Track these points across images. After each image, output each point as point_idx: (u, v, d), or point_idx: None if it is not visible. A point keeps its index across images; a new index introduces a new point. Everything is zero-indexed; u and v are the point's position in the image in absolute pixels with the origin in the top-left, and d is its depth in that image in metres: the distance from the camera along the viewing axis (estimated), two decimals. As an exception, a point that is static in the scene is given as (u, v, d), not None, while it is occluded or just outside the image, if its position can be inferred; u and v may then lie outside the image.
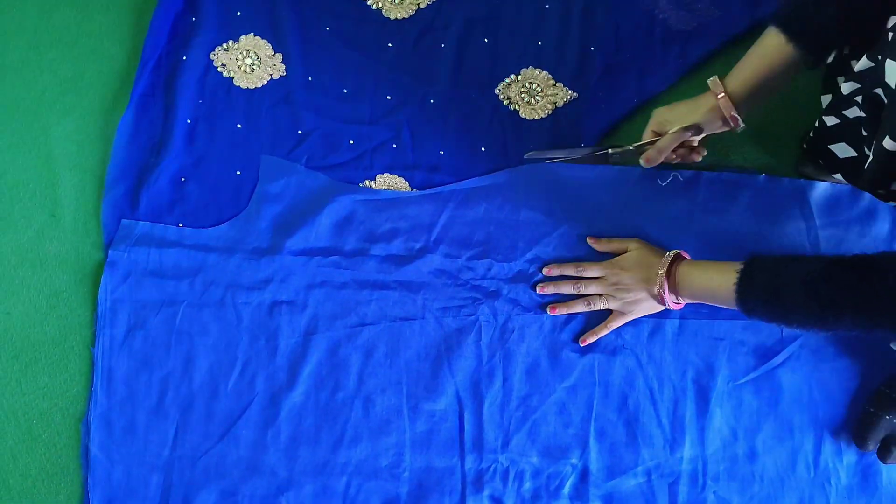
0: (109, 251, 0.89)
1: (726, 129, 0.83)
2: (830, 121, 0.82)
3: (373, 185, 0.92)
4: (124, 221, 0.90)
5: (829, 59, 0.80)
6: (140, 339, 0.89)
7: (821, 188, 0.92)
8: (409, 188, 0.92)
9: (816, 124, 0.85)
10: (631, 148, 0.88)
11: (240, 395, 0.88)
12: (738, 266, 0.77)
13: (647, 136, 0.87)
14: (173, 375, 0.88)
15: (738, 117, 0.81)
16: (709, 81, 0.81)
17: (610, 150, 0.89)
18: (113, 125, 0.91)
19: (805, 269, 0.71)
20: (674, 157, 0.88)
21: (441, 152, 0.93)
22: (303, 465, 0.87)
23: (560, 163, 0.91)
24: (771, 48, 0.76)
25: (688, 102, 0.84)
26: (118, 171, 0.91)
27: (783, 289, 0.71)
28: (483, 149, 0.93)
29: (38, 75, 0.92)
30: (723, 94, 0.80)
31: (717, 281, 0.78)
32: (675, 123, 0.83)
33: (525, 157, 0.91)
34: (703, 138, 0.86)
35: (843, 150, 0.82)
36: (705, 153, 0.89)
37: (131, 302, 0.89)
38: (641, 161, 0.85)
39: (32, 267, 0.90)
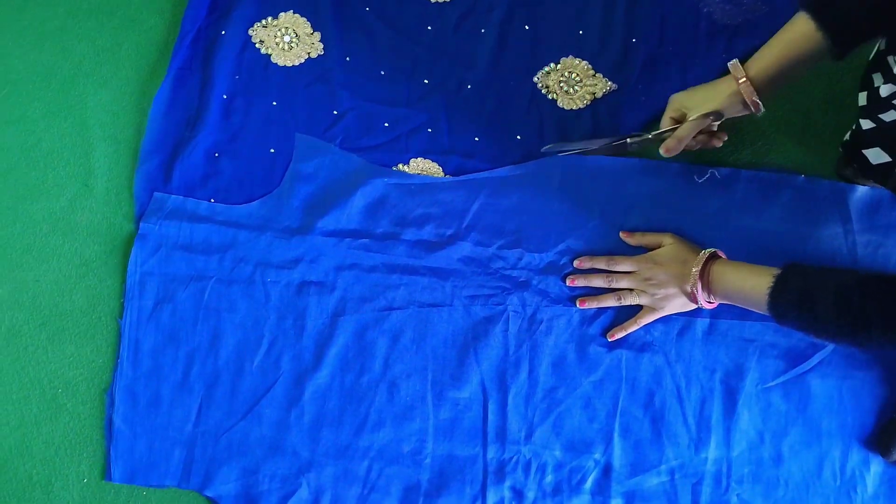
0: (141, 223, 0.89)
1: (746, 113, 0.81)
2: (866, 124, 0.80)
3: (406, 168, 0.91)
4: (157, 194, 0.90)
5: (859, 52, 0.78)
6: (168, 313, 0.88)
7: (860, 192, 0.90)
8: (442, 173, 0.91)
9: (854, 126, 0.84)
10: (649, 136, 0.87)
11: (265, 373, 0.88)
12: (774, 271, 0.76)
13: (665, 123, 0.86)
14: (199, 351, 0.88)
15: (760, 102, 0.80)
16: (729, 65, 0.80)
17: (628, 140, 0.88)
18: (149, 97, 0.91)
19: (840, 280, 0.70)
20: (694, 143, 0.86)
21: (476, 139, 0.92)
22: (325, 446, 0.87)
23: (593, 154, 0.90)
24: (798, 35, 0.75)
25: (706, 87, 0.83)
26: (152, 144, 0.91)
27: (816, 297, 0.70)
28: (519, 137, 0.92)
29: (76, 44, 0.92)
30: (744, 79, 0.78)
31: (751, 283, 0.77)
32: (694, 110, 0.82)
33: (542, 150, 0.90)
34: (722, 123, 0.84)
35: (876, 155, 0.81)
36: (726, 138, 0.87)
37: (160, 275, 0.89)
38: (661, 150, 0.83)
39: (64, 235, 0.90)
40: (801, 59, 0.76)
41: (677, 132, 0.82)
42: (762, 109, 0.81)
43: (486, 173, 0.90)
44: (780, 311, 0.74)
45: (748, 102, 0.79)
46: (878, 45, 0.78)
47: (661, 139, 0.85)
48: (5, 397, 0.88)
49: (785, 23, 0.90)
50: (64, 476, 0.87)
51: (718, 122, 0.83)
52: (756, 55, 0.79)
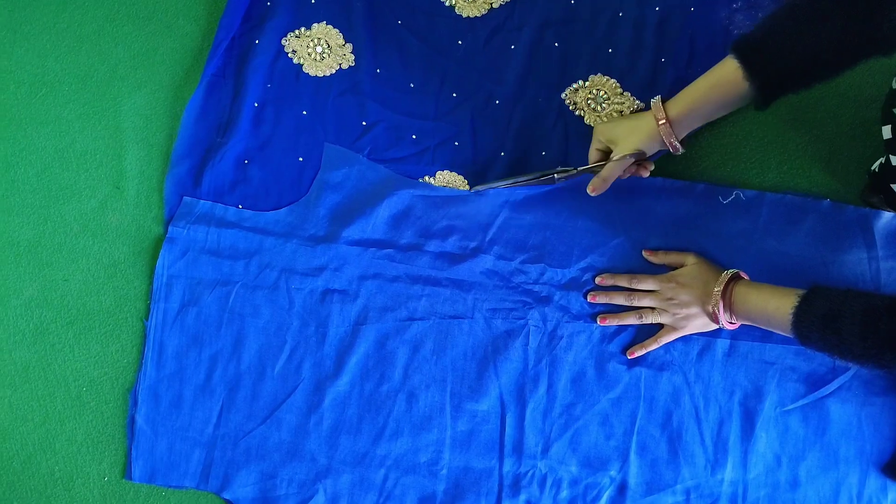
0: (169, 227, 0.91)
1: (666, 150, 0.82)
2: (895, 160, 0.80)
3: (432, 181, 0.92)
4: (186, 199, 0.91)
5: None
6: (193, 316, 0.90)
7: (886, 218, 0.90)
8: (467, 187, 0.92)
9: (882, 160, 0.84)
10: (576, 171, 0.88)
11: (286, 379, 0.89)
12: (798, 292, 0.76)
13: (592, 156, 0.87)
14: (222, 354, 0.89)
15: (679, 145, 0.81)
16: (652, 102, 0.81)
17: (556, 175, 0.89)
18: (182, 102, 0.92)
19: (867, 303, 0.70)
20: (623, 175, 0.87)
21: (502, 153, 0.93)
22: (343, 453, 0.88)
23: (521, 186, 0.91)
24: (724, 79, 0.74)
25: (629, 120, 0.83)
26: (184, 149, 0.92)
27: (842, 320, 0.70)
28: (544, 153, 0.93)
29: (112, 48, 0.94)
30: (664, 121, 0.79)
31: (775, 305, 0.77)
32: (618, 143, 0.83)
33: (472, 189, 0.91)
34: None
35: None
36: (652, 168, 0.88)
37: (187, 278, 0.90)
38: (588, 190, 0.84)
39: (93, 236, 0.91)
40: (723, 103, 0.76)
41: (602, 173, 0.84)
42: (680, 151, 0.82)
43: (511, 188, 0.91)
44: (804, 333, 0.74)
45: (666, 143, 0.80)
46: (893, 81, 0.78)
47: (588, 173, 0.87)
48: (31, 394, 0.89)
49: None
50: (85, 474, 0.88)
51: (644, 156, 0.84)
52: (680, 94, 0.79)
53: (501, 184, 0.90)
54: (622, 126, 0.84)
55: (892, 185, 0.82)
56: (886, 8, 0.63)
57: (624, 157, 0.82)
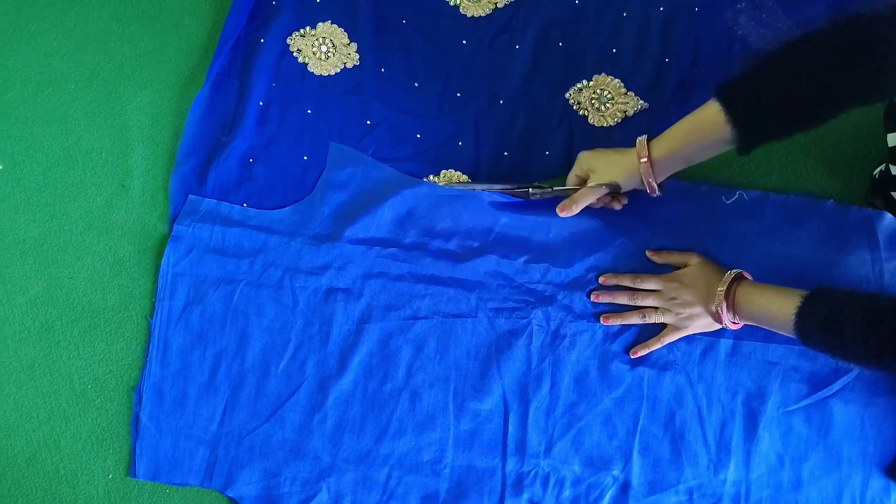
0: (174, 225, 0.91)
1: (643, 189, 0.82)
2: (895, 170, 0.80)
3: (436, 179, 0.92)
4: (191, 197, 0.91)
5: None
6: (197, 314, 0.90)
7: (889, 219, 0.90)
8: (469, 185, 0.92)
9: (882, 167, 0.84)
10: (551, 190, 0.88)
11: (290, 377, 0.89)
12: (802, 293, 0.76)
13: (570, 180, 0.87)
14: (227, 352, 0.89)
15: (655, 186, 0.81)
16: (637, 140, 0.81)
17: (530, 190, 0.89)
18: (188, 101, 0.93)
19: (870, 305, 0.70)
20: (596, 203, 0.87)
21: (505, 153, 0.93)
22: (346, 452, 0.88)
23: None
24: (707, 122, 0.74)
25: (614, 153, 0.83)
26: (189, 147, 0.92)
27: (844, 321, 0.70)
28: (547, 152, 0.93)
29: (118, 47, 0.94)
30: (645, 160, 0.79)
31: (778, 305, 0.77)
32: (597, 174, 0.83)
33: (447, 187, 0.91)
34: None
35: None
36: (626, 202, 0.88)
37: (192, 276, 0.90)
38: (557, 210, 0.85)
39: (99, 234, 0.92)
40: (705, 146, 0.76)
41: (575, 195, 0.84)
42: (657, 193, 0.82)
43: (511, 200, 0.91)
44: (807, 334, 0.74)
45: (644, 182, 0.81)
46: None
47: (563, 195, 0.87)
48: (36, 391, 0.89)
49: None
50: (90, 471, 0.89)
51: (618, 192, 0.84)
52: (664, 134, 0.79)
53: (477, 187, 0.91)
54: (605, 157, 0.84)
55: (893, 193, 0.82)
56: (868, 58, 0.63)
57: (599, 186, 0.83)
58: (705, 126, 0.74)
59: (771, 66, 0.69)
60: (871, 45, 0.63)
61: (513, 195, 0.90)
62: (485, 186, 0.91)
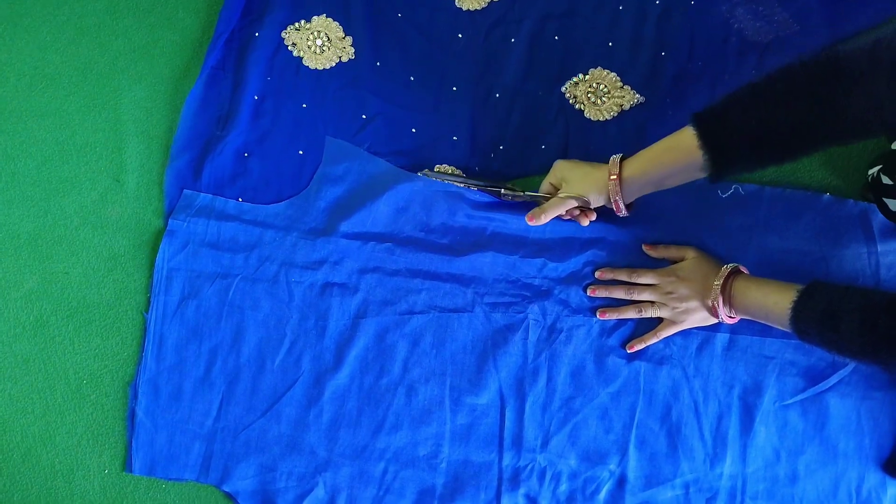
0: (169, 220, 0.91)
1: (611, 207, 0.82)
2: (885, 179, 0.81)
3: (431, 174, 0.92)
4: (186, 191, 0.91)
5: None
6: (193, 309, 0.90)
7: (886, 213, 0.90)
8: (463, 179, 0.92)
9: (875, 173, 0.84)
10: (522, 194, 0.88)
11: (286, 372, 0.89)
12: (798, 287, 0.76)
13: (544, 187, 0.87)
14: (222, 347, 0.89)
15: (622, 205, 0.81)
16: (611, 158, 0.80)
17: (502, 190, 0.89)
18: (182, 95, 0.92)
19: (866, 300, 0.70)
20: (564, 215, 0.87)
21: (501, 147, 0.93)
22: (342, 447, 0.88)
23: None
24: (680, 146, 0.74)
25: (588, 168, 0.83)
26: (184, 142, 0.92)
27: (840, 315, 0.70)
28: (543, 146, 0.93)
29: (112, 40, 0.93)
30: (615, 178, 0.79)
31: (774, 299, 0.77)
32: (569, 185, 0.83)
33: (419, 173, 0.91)
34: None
35: None
36: (594, 217, 0.87)
37: (187, 271, 0.90)
38: (526, 218, 0.84)
39: (94, 229, 0.91)
40: (676, 169, 0.75)
41: (545, 205, 0.83)
42: (623, 213, 0.82)
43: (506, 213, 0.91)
44: (803, 328, 0.74)
45: (611, 200, 0.80)
46: None
47: (532, 200, 0.87)
48: (31, 386, 0.89)
49: (814, 42, 0.91)
50: (85, 466, 0.88)
51: (588, 205, 0.84)
52: (637, 154, 0.79)
53: (450, 179, 0.90)
54: (579, 169, 0.83)
55: (885, 199, 0.82)
56: (848, 97, 0.62)
57: (569, 199, 0.82)
58: (679, 150, 0.74)
59: (749, 97, 0.68)
60: (849, 86, 0.62)
61: (485, 192, 0.90)
62: (459, 180, 0.90)
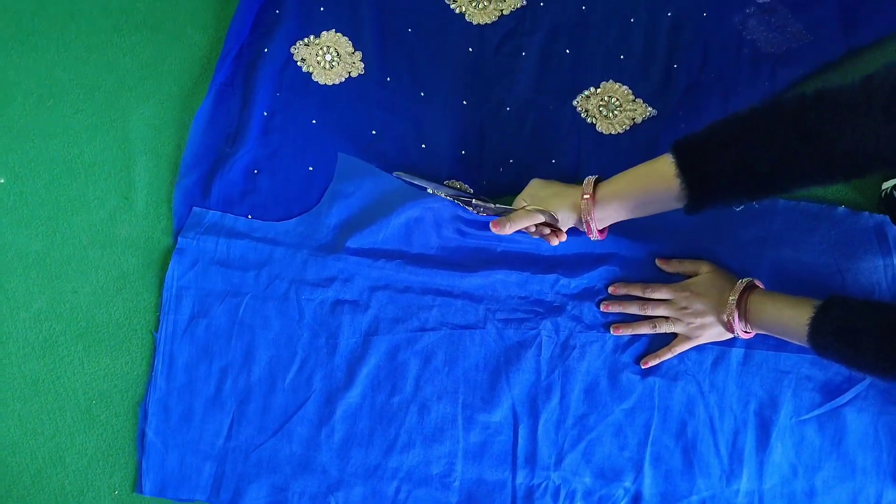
0: (179, 238, 0.90)
1: (582, 230, 0.81)
2: None
3: (404, 175, 0.90)
4: (195, 209, 0.90)
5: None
6: (203, 328, 0.89)
7: (902, 225, 0.89)
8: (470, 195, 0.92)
9: (889, 188, 0.83)
10: (493, 206, 0.87)
11: (297, 391, 0.88)
12: (815, 302, 0.75)
13: (517, 202, 0.85)
14: (233, 366, 0.89)
15: (594, 226, 0.79)
16: (586, 178, 0.79)
17: (474, 201, 0.88)
18: (191, 112, 0.92)
19: (886, 317, 0.69)
20: (533, 230, 0.86)
21: (510, 160, 0.92)
22: (354, 466, 0.87)
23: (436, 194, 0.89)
24: (657, 173, 0.72)
25: (562, 186, 0.82)
26: (193, 159, 0.91)
27: (860, 332, 0.70)
28: (553, 161, 0.92)
29: (120, 58, 0.93)
30: (588, 197, 0.77)
31: (791, 315, 0.77)
32: (540, 202, 0.82)
33: (394, 174, 0.90)
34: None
35: None
36: (564, 239, 0.86)
37: (197, 290, 0.89)
38: (490, 226, 0.83)
39: (102, 248, 0.91)
40: (651, 198, 0.74)
41: (512, 215, 0.82)
42: (594, 235, 0.80)
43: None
44: (821, 344, 0.73)
45: (583, 220, 0.79)
46: None
47: (503, 213, 0.85)
48: (41, 407, 0.89)
49: (827, 54, 0.90)
50: (96, 487, 0.88)
51: (557, 223, 0.82)
52: (613, 177, 0.78)
53: (424, 184, 0.89)
54: (553, 188, 0.83)
55: None
56: (839, 133, 0.61)
57: (536, 212, 0.81)
58: (655, 177, 0.73)
59: (733, 129, 0.67)
60: (841, 121, 0.61)
61: (458, 203, 0.88)
62: (432, 186, 0.89)
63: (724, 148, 0.67)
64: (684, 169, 0.70)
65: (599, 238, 0.82)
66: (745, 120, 0.67)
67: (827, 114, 0.62)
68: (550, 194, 0.82)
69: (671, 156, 0.71)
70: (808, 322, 0.74)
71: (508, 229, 0.82)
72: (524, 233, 0.87)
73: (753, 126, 0.66)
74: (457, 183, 0.92)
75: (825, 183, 0.66)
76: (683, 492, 0.87)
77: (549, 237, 0.86)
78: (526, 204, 0.84)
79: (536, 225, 0.85)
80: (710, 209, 0.71)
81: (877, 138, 0.59)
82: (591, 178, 0.79)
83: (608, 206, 0.78)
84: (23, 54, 0.93)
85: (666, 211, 0.75)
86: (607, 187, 0.78)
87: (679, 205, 0.73)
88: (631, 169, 0.77)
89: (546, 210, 0.81)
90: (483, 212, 0.87)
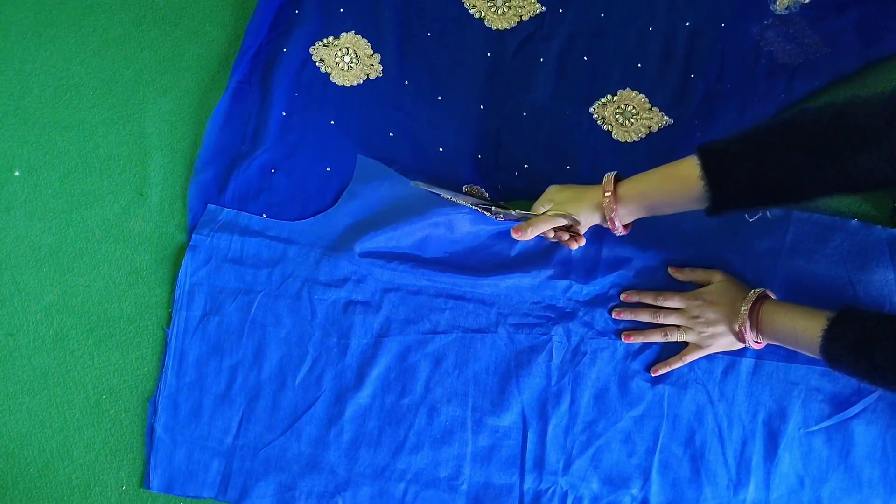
0: (193, 234, 0.90)
1: (606, 227, 0.81)
2: None
3: (422, 185, 0.89)
4: (210, 206, 0.90)
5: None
6: (214, 325, 0.89)
7: (914, 239, 0.89)
8: (488, 199, 0.91)
9: None
10: (513, 213, 0.86)
11: (307, 390, 0.88)
12: (828, 314, 0.75)
13: (536, 208, 0.85)
14: (243, 364, 0.89)
15: (618, 222, 0.79)
16: (605, 175, 0.80)
17: (493, 208, 0.87)
18: (207, 109, 0.92)
19: None
20: (553, 236, 0.86)
21: (526, 165, 0.92)
22: (362, 466, 0.87)
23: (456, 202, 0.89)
24: (682, 174, 0.73)
25: (580, 189, 0.82)
26: (208, 156, 0.91)
27: (874, 343, 0.70)
28: (569, 167, 0.92)
29: (138, 53, 0.93)
30: (609, 194, 0.78)
31: (803, 326, 0.77)
32: (559, 206, 0.82)
33: (411, 182, 0.90)
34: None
35: None
36: (583, 243, 0.86)
37: (209, 286, 0.89)
38: (511, 232, 0.83)
39: (116, 243, 0.91)
40: (674, 197, 0.75)
41: (532, 220, 0.82)
42: (619, 230, 0.80)
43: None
44: (834, 356, 0.73)
45: (607, 219, 0.79)
46: None
47: (523, 219, 0.85)
48: (49, 400, 0.88)
49: (845, 66, 0.90)
50: (103, 482, 0.88)
51: (578, 226, 0.83)
52: (635, 176, 0.78)
53: (442, 192, 0.88)
54: (571, 191, 0.83)
55: None
56: (858, 151, 0.62)
57: (557, 216, 0.81)
58: (678, 177, 0.74)
59: (758, 137, 0.68)
60: (861, 140, 0.61)
61: (477, 209, 0.88)
62: (450, 194, 0.88)
63: (749, 156, 0.68)
64: (709, 173, 0.70)
65: (624, 233, 0.82)
66: (770, 131, 0.67)
67: (846, 132, 0.62)
68: (570, 197, 0.82)
69: (697, 158, 0.71)
70: (821, 334, 0.74)
71: (530, 234, 0.82)
72: (541, 237, 0.87)
73: (776, 137, 0.67)
74: (474, 188, 0.92)
75: (844, 195, 0.67)
76: (690, 500, 0.87)
77: (569, 242, 0.86)
78: (545, 209, 0.84)
79: (555, 230, 0.85)
80: (731, 213, 0.72)
81: (893, 164, 0.60)
82: (609, 175, 0.79)
83: (629, 204, 0.78)
84: (40, 46, 0.93)
85: (685, 211, 0.76)
86: (629, 186, 0.78)
87: (700, 206, 0.73)
88: (655, 169, 0.77)
89: (567, 214, 0.81)
90: (503, 218, 0.87)
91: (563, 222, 0.82)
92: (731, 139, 0.70)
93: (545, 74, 0.92)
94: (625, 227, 0.82)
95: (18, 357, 0.89)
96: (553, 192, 0.85)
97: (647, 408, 0.88)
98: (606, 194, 0.79)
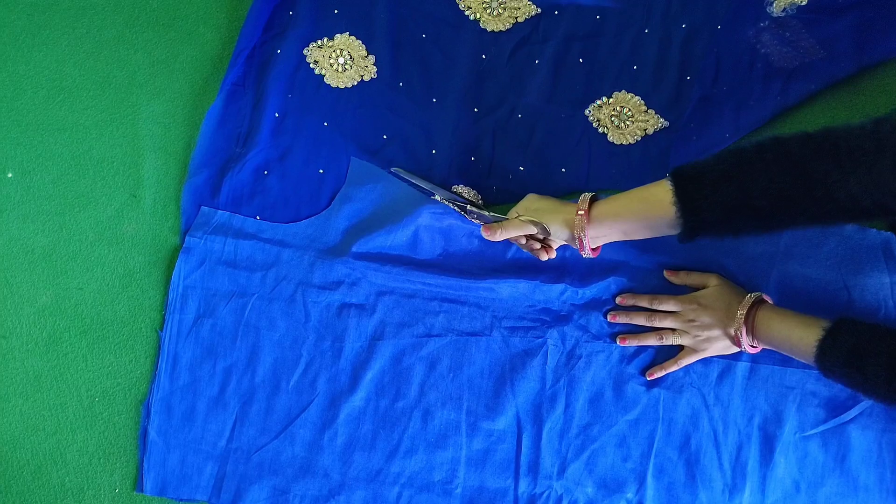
0: (186, 237, 0.90)
1: (574, 246, 0.80)
2: None
3: (402, 172, 0.89)
4: (204, 209, 0.90)
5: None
6: (208, 328, 0.89)
7: (910, 243, 0.89)
8: (481, 201, 0.91)
9: None
10: (488, 215, 0.86)
11: (301, 393, 0.88)
12: (824, 323, 0.76)
13: (510, 214, 0.84)
14: (237, 367, 0.88)
15: (586, 242, 0.78)
16: (581, 195, 0.78)
17: (468, 207, 0.87)
18: (201, 111, 0.91)
19: (894, 344, 0.69)
20: (523, 243, 0.85)
21: (521, 168, 0.92)
22: (356, 470, 0.87)
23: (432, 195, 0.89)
24: (654, 197, 0.71)
25: (557, 202, 0.81)
26: (202, 158, 0.91)
27: (867, 357, 0.70)
28: (563, 170, 0.92)
29: (131, 54, 0.92)
30: (582, 213, 0.76)
31: (799, 334, 0.77)
32: (533, 213, 0.81)
33: (391, 169, 0.90)
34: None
35: None
36: (553, 256, 0.85)
37: (203, 289, 0.89)
38: (481, 230, 0.82)
39: (109, 245, 0.90)
40: (646, 222, 0.73)
41: (503, 223, 0.82)
42: (586, 252, 0.79)
43: None
44: (828, 366, 0.73)
45: (576, 237, 0.78)
46: None
47: (497, 221, 0.84)
48: (42, 403, 0.88)
49: (840, 70, 0.90)
50: (96, 485, 0.87)
51: (549, 238, 0.82)
52: (609, 198, 0.77)
53: (422, 183, 0.88)
54: (548, 202, 0.82)
55: None
56: (845, 178, 0.60)
57: (528, 222, 0.80)
58: (651, 200, 0.72)
59: (733, 161, 0.66)
60: (847, 166, 0.60)
61: (453, 207, 0.87)
62: (428, 187, 0.88)
63: (725, 182, 0.66)
64: (682, 197, 0.69)
65: (592, 256, 0.81)
66: (747, 155, 0.65)
67: (832, 159, 0.60)
68: (544, 207, 0.81)
69: (670, 182, 0.70)
70: (816, 343, 0.74)
71: (499, 236, 0.81)
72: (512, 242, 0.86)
73: (756, 163, 0.65)
74: (465, 189, 0.91)
75: (821, 224, 0.65)
76: (685, 504, 0.86)
77: (539, 252, 0.85)
78: (519, 215, 0.83)
79: (527, 238, 0.84)
80: (704, 239, 0.70)
81: (882, 190, 0.59)
82: (586, 195, 0.78)
83: (601, 226, 0.77)
84: (34, 48, 0.92)
85: (658, 237, 0.74)
86: (602, 206, 0.77)
87: (672, 232, 0.72)
88: (628, 191, 0.75)
89: (539, 222, 0.80)
90: (477, 219, 0.87)
91: (534, 230, 0.81)
92: (705, 162, 0.68)
93: (540, 76, 0.92)
94: (593, 249, 0.80)
95: (11, 360, 0.88)
96: (531, 199, 0.84)
97: (642, 411, 0.88)
98: (580, 212, 0.77)
